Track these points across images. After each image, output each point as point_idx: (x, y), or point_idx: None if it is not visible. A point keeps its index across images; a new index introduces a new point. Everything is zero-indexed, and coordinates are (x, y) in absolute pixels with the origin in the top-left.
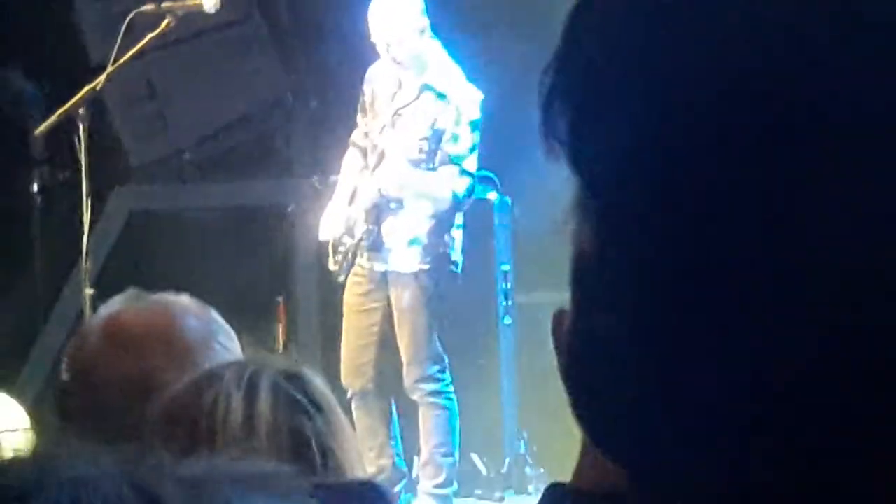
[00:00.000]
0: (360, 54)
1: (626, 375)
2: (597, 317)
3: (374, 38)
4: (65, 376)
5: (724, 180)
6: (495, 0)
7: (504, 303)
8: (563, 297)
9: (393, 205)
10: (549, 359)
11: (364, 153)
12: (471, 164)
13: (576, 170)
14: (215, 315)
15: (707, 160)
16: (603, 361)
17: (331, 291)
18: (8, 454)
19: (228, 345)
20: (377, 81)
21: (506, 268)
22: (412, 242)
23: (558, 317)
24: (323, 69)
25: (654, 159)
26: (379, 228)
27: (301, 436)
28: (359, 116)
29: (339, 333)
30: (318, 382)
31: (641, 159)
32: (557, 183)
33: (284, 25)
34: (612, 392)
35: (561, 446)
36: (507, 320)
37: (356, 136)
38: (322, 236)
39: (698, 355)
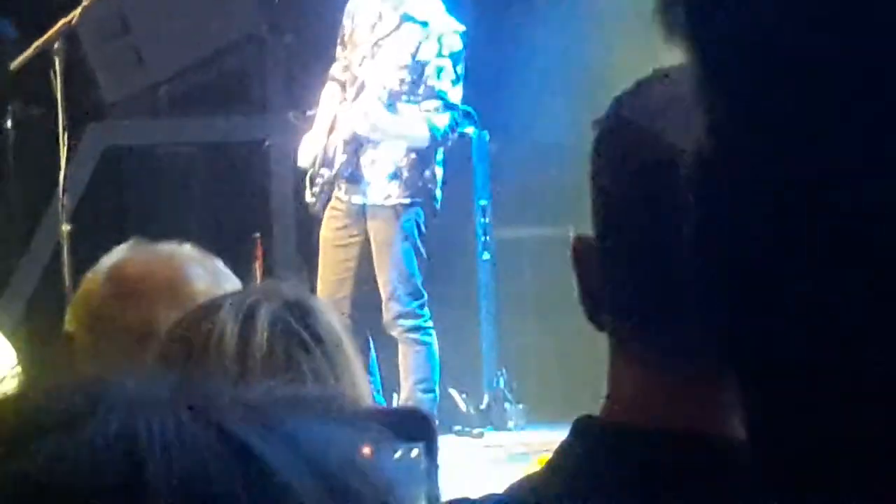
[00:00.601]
0: None
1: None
2: (725, 215)
3: None
4: (69, 326)
5: (859, 58)
6: None
7: (482, 238)
8: (541, 231)
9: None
10: (528, 293)
11: (343, 86)
12: (455, 96)
13: (696, 56)
14: (220, 264)
15: (842, 34)
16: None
17: (308, 227)
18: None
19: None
20: (357, 13)
21: (484, 203)
22: (392, 176)
23: (579, 242)
24: (298, 3)
25: (784, 37)
26: (358, 160)
27: (297, 370)
28: (338, 49)
29: (317, 269)
30: (326, 315)
31: (769, 38)
32: (534, 117)
33: None
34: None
35: (540, 382)
36: (486, 255)
37: (335, 69)
38: (300, 162)
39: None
